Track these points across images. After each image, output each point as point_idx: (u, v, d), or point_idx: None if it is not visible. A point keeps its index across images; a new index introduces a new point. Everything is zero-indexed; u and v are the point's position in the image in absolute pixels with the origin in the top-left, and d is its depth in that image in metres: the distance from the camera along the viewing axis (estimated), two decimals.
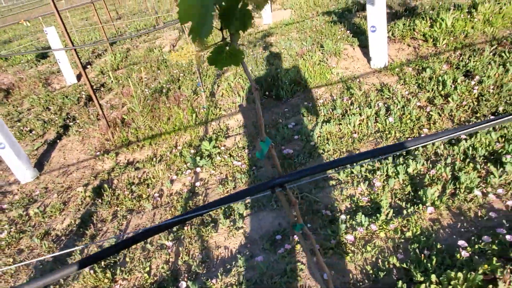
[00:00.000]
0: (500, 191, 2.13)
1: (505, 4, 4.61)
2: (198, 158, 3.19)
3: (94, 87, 5.87)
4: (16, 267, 2.51)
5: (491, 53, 3.73)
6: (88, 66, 7.19)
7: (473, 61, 3.59)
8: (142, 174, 3.35)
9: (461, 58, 3.79)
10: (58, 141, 4.46)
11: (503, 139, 2.50)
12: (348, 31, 5.28)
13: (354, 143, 2.95)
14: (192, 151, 3.37)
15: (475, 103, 3.04)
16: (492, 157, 2.40)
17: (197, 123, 3.90)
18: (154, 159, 3.49)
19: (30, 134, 4.74)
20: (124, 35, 9.18)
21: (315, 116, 3.47)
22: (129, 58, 6.97)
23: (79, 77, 6.80)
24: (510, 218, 1.97)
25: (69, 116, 5.06)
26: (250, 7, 0.62)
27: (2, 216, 3.19)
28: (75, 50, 3.72)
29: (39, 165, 4.00)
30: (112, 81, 5.77)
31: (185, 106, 4.16)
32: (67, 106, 5.42)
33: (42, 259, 2.51)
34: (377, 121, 3.11)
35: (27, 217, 3.12)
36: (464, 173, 2.28)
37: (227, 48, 0.65)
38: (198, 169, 3.15)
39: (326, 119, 3.34)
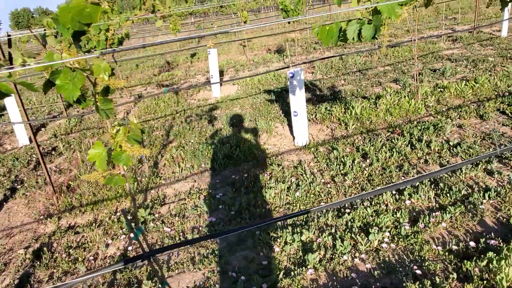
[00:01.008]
0: (363, 256, 2.75)
1: (404, 96, 5.69)
2: (133, 224, 3.61)
3: (46, 151, 6.19)
4: None
5: (386, 139, 4.61)
6: (42, 129, 7.52)
7: (370, 145, 4.43)
8: (80, 238, 3.69)
9: (363, 142, 4.64)
10: (4, 203, 4.69)
11: (375, 213, 3.19)
12: (281, 110, 6.13)
13: (268, 214, 3.53)
14: (129, 217, 3.79)
15: (365, 182, 3.79)
16: (364, 228, 3.05)
17: (138, 190, 4.36)
18: (94, 224, 3.86)
19: None
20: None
21: (241, 187, 4.06)
22: (83, 123, 7.41)
23: (31, 139, 7.09)
24: (366, 278, 2.57)
25: (18, 179, 5.32)
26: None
27: None
28: (25, 111, 4.14)
29: None
30: (63, 145, 6.14)
31: (129, 174, 4.62)
32: (17, 169, 5.68)
33: None
34: (288, 194, 3.75)
35: None
36: (342, 241, 2.90)
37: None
38: (131, 235, 3.56)
39: (248, 191, 3.94)
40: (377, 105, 5.51)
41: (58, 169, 5.36)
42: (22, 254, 3.50)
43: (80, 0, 1.17)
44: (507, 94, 5.54)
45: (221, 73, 10.23)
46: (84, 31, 1.31)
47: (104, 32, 3.65)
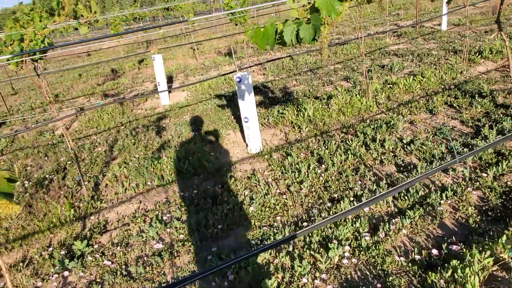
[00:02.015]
0: (324, 276, 2.52)
1: (355, 94, 5.60)
2: (67, 261, 3.15)
3: None
4: None
5: (340, 140, 4.46)
6: None
7: (325, 148, 4.25)
8: (4, 284, 3.17)
9: (318, 145, 4.46)
10: None
11: (334, 224, 2.98)
12: (232, 116, 5.84)
13: (220, 234, 3.22)
14: (63, 252, 3.32)
15: (322, 189, 3.59)
16: (323, 242, 2.83)
17: (75, 218, 3.87)
18: (22, 263, 3.35)
19: None
20: (16, 114, 8.80)
21: (190, 205, 3.72)
22: (15, 143, 6.68)
23: None
24: None
25: None
26: None
27: None
28: None
29: None
30: None
31: (64, 200, 4.12)
32: None
33: None
34: (242, 210, 3.46)
35: None
36: (301, 260, 2.65)
37: None
38: (66, 273, 3.11)
39: (198, 209, 3.60)
40: (330, 105, 5.37)
41: None
42: None
43: None
44: (452, 87, 5.62)
45: (170, 79, 9.77)
46: None
47: (17, 42, 3.17)
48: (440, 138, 4.20)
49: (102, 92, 9.67)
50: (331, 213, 3.15)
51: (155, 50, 7.19)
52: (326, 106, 5.36)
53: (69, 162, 5.29)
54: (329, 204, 3.29)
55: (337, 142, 4.41)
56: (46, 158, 5.68)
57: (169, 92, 8.03)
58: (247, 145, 4.80)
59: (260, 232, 3.10)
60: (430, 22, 11.44)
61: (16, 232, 3.77)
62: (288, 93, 6.70)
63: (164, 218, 3.58)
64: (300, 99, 6.02)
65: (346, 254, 2.68)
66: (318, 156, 4.16)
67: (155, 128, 6.13)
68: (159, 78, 7.44)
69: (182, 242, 3.19)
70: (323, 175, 3.76)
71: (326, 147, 4.31)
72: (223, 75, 5.07)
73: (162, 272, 2.91)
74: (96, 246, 3.39)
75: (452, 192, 3.15)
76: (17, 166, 5.53)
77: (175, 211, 3.65)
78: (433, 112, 4.89)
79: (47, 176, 4.91)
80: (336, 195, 3.43)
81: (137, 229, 3.55)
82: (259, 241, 3.02)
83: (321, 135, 4.76)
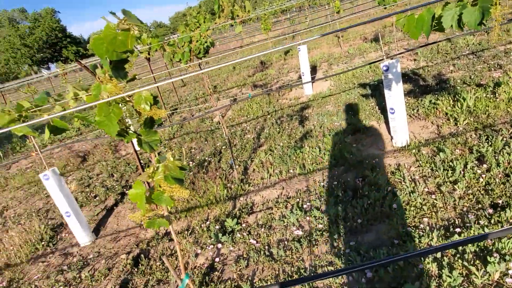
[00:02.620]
0: None
1: None
2: (220, 235, 3.61)
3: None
4: None
5: (509, 136, 3.78)
6: None
7: (488, 145, 3.67)
8: (174, 245, 3.84)
9: (478, 141, 3.88)
10: (115, 207, 5.20)
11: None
12: (377, 106, 5.58)
13: (360, 229, 3.17)
14: (217, 227, 3.81)
15: (481, 192, 3.13)
16: (481, 254, 2.49)
17: (228, 198, 4.38)
18: (187, 231, 3.99)
19: (94, 200, 5.58)
20: (184, 103, 10.34)
21: (330, 197, 3.75)
22: (183, 128, 7.88)
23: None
24: None
25: (127, 184, 5.87)
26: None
27: (61, 277, 3.84)
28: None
29: (97, 230, 4.71)
30: (166, 150, 6.59)
31: (219, 181, 4.69)
32: (127, 174, 6.28)
33: None
34: (383, 206, 3.31)
35: (79, 279, 3.73)
36: (451, 270, 2.40)
37: None
38: (219, 245, 3.56)
39: (337, 201, 3.61)
40: (497, 94, 4.58)
41: None
42: (124, 259, 3.79)
43: (110, 28, 1.07)
44: None
45: (314, 68, 9.88)
46: (125, 60, 1.22)
47: (187, 44, 3.72)
48: None
49: (252, 83, 10.47)
50: (492, 221, 2.73)
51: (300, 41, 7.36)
52: (492, 95, 4.59)
53: (223, 147, 5.97)
54: (490, 211, 2.85)
55: (504, 138, 3.75)
56: (206, 142, 6.54)
57: (312, 82, 8.14)
58: (392, 138, 4.53)
59: (403, 232, 2.92)
60: None
61: (183, 205, 4.50)
62: (443, 80, 5.98)
63: (304, 206, 3.72)
64: (458, 87, 5.30)
65: (511, 272, 2.30)
66: (479, 154, 3.63)
67: (298, 117, 6.33)
68: (304, 68, 7.61)
69: (321, 232, 3.26)
70: (483, 176, 3.27)
71: (490, 143, 3.72)
72: (368, 63, 4.86)
73: (300, 258, 3.05)
74: (244, 225, 3.77)
75: None
76: (184, 149, 6.54)
77: (315, 200, 3.74)
78: None
79: (206, 158, 5.65)
80: (500, 201, 2.94)
81: (279, 213, 3.78)
82: (402, 242, 2.86)
83: (483, 129, 4.12)
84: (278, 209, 3.86)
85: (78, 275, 3.78)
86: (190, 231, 4.00)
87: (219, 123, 7.65)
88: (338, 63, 9.78)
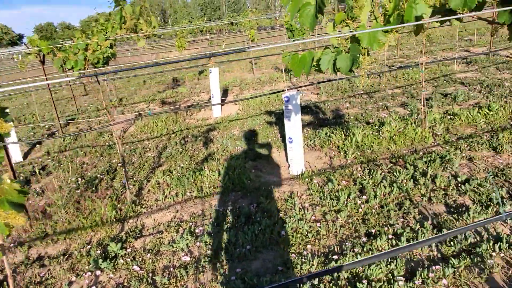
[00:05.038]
0: None
1: (410, 123, 5.30)
2: (101, 260, 3.29)
3: (35, 169, 5.98)
4: None
5: (387, 171, 4.22)
6: (38, 145, 7.35)
7: (369, 178, 4.04)
8: (45, 272, 3.38)
9: (362, 173, 4.25)
10: None
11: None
12: (279, 134, 5.81)
13: (248, 255, 3.16)
14: (99, 251, 3.47)
15: (359, 221, 3.39)
16: (352, 280, 2.65)
17: (116, 219, 4.05)
18: (63, 256, 3.55)
19: None
20: (84, 114, 9.55)
21: (222, 222, 3.71)
22: (78, 141, 7.22)
23: (26, 155, 6.93)
24: None
25: None
26: None
27: None
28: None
29: None
30: (53, 165, 5.93)
31: (108, 201, 4.33)
32: None
33: None
34: (273, 233, 3.38)
35: None
36: None
37: None
38: (98, 272, 3.23)
39: (230, 227, 3.58)
40: (381, 132, 5.13)
41: (41, 190, 5.12)
42: None
43: None
44: None
45: (225, 91, 10.01)
46: None
47: (82, 51, 3.43)
48: (502, 180, 3.80)
49: (160, 99, 10.17)
50: (365, 249, 2.96)
51: (212, 63, 7.42)
52: (377, 133, 5.12)
53: (119, 164, 5.58)
54: (364, 239, 3.09)
55: (383, 173, 4.17)
56: (102, 158, 6.06)
57: (222, 104, 8.21)
58: (289, 166, 4.72)
59: (287, 259, 2.99)
60: (507, 50, 10.57)
61: (63, 226, 4.03)
62: (340, 115, 6.52)
63: (197, 230, 3.61)
64: (351, 123, 5.82)
65: None
66: (361, 186, 3.96)
67: (203, 139, 6.27)
68: (214, 90, 7.64)
69: (209, 258, 3.18)
70: (362, 206, 3.56)
71: (371, 176, 4.10)
72: (274, 92, 5.06)
73: (185, 286, 2.92)
74: (129, 250, 3.50)
75: (508, 244, 2.80)
76: (75, 163, 5.96)
77: (208, 225, 3.66)
78: (497, 150, 4.45)
79: (98, 175, 5.21)
80: (374, 230, 3.22)
81: (169, 238, 3.61)
82: (285, 269, 2.92)
83: (367, 163, 4.54)
84: (168, 233, 3.68)
85: None
86: (67, 256, 3.57)
87: (121, 137, 7.20)
88: (249, 88, 10.07)
